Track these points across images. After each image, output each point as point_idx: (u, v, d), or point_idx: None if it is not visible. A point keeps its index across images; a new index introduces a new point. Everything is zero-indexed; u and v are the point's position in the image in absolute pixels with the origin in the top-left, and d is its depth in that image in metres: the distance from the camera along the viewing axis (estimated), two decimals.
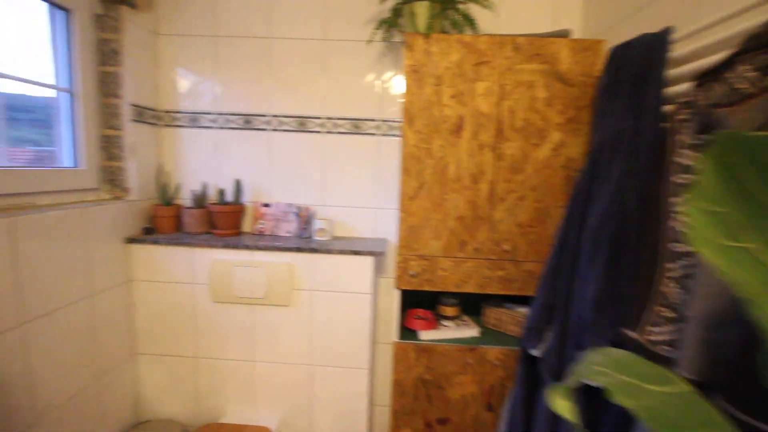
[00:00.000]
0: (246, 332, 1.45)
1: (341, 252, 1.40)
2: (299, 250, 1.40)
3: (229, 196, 1.53)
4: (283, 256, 1.40)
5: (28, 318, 1.05)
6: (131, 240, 1.41)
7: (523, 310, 1.35)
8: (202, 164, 1.59)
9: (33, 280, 1.06)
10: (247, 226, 1.59)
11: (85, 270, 1.24)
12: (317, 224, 1.49)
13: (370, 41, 1.48)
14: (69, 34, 1.26)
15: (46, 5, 1.21)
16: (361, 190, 1.58)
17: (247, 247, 1.40)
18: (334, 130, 1.57)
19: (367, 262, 1.39)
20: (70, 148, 1.30)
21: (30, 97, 1.22)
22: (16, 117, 1.15)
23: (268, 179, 1.58)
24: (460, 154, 1.25)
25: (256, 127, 1.57)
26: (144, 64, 1.48)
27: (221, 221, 1.48)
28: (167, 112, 1.58)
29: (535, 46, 1.20)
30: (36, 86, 1.20)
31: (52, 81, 1.24)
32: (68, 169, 1.28)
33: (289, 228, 1.52)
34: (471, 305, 1.49)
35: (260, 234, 1.54)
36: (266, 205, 1.55)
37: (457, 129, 1.24)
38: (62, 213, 1.15)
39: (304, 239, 1.49)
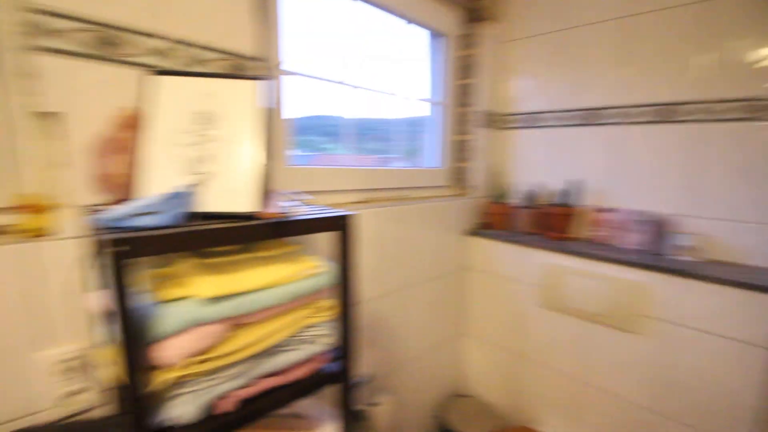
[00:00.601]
0: (576, 347, 1.34)
1: (719, 281, 1.03)
2: (653, 268, 1.14)
3: (563, 198, 1.44)
4: (628, 272, 1.18)
5: (405, 285, 1.35)
6: (470, 233, 1.58)
7: None
8: (536, 164, 1.57)
9: (407, 256, 1.35)
10: (580, 231, 1.44)
11: (436, 254, 1.47)
12: (681, 239, 1.17)
13: None
14: (442, 55, 1.51)
15: (428, 33, 1.49)
16: (748, 199, 1.12)
17: (585, 255, 1.27)
18: (709, 118, 1.17)
19: (763, 301, 0.97)
20: (431, 152, 1.57)
21: (383, 119, 1.54)
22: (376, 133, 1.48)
23: (611, 181, 1.38)
24: None
25: (599, 122, 1.39)
26: (491, 72, 1.60)
27: (552, 223, 1.41)
28: (506, 115, 1.65)
29: None
30: (418, 103, 1.51)
31: (428, 97, 1.53)
32: (431, 169, 1.55)
33: (635, 239, 1.28)
34: None
35: (596, 242, 1.37)
36: (606, 210, 1.36)
37: None
38: (425, 205, 1.40)
39: (658, 256, 1.21)
